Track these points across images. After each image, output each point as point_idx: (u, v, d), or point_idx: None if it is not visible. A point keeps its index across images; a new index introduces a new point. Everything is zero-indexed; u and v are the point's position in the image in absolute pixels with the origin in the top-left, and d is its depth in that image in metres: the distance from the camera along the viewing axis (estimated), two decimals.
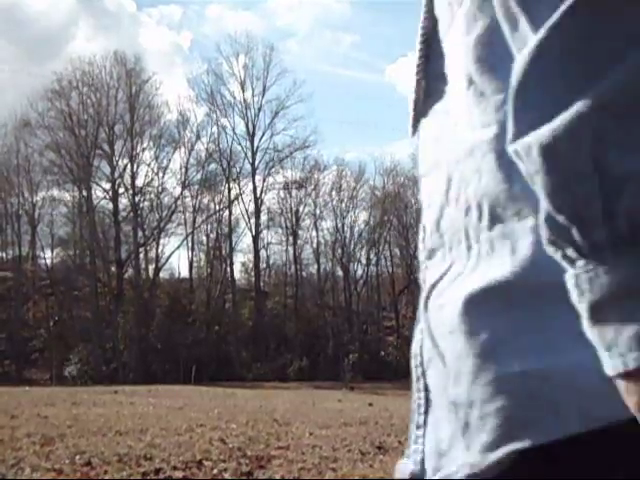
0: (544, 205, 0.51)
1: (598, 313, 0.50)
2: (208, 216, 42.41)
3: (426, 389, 0.70)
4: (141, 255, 41.32)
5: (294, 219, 43.06)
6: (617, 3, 0.49)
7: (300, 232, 43.52)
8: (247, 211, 42.44)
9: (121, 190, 40.56)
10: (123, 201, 40.96)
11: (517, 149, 0.53)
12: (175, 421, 9.59)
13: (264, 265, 43.86)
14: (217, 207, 42.43)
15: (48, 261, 42.85)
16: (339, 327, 41.63)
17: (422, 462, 0.69)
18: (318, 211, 43.51)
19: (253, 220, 42.07)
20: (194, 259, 42.98)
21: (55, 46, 60.83)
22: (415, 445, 0.70)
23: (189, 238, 42.10)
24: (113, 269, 40.48)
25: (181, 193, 41.35)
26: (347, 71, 71.71)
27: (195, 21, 68.84)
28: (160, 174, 41.32)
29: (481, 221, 0.65)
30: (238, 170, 42.71)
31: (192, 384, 28.49)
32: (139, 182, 40.77)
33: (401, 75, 64.08)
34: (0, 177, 40.73)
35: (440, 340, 0.67)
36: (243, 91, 43.01)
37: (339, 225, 43.02)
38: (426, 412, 0.70)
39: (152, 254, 41.58)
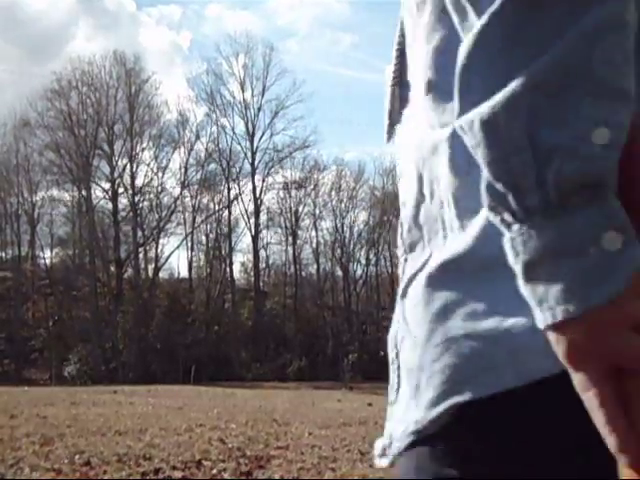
0: (485, 174, 0.56)
1: (531, 272, 0.55)
2: (207, 216, 42.44)
3: (399, 367, 0.74)
4: (140, 255, 41.35)
5: (293, 219, 43.08)
6: None
7: (299, 232, 43.57)
8: (246, 211, 42.50)
9: (120, 190, 40.60)
10: (122, 201, 41.03)
11: (462, 124, 0.58)
12: (174, 421, 9.59)
13: (263, 265, 43.89)
14: (216, 207, 42.49)
15: (47, 261, 42.91)
16: (338, 327, 41.64)
17: (391, 436, 0.72)
18: (317, 211, 43.56)
19: (252, 220, 42.12)
20: (193, 259, 43.05)
21: (55, 46, 60.88)
22: (388, 422, 0.74)
23: (188, 238, 42.15)
24: (112, 269, 40.48)
25: (180, 193, 41.41)
26: (347, 71, 71.77)
27: (195, 21, 68.85)
28: (160, 174, 41.40)
29: (451, 211, 0.69)
30: (238, 170, 42.77)
31: (191, 384, 28.50)
32: (138, 182, 40.85)
33: None
34: None
35: (409, 317, 0.72)
36: (243, 91, 43.06)
37: (339, 225, 43.07)
38: (397, 389, 0.74)
39: (151, 254, 41.65)
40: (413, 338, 0.70)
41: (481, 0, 0.56)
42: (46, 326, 38.85)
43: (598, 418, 0.55)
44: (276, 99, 43.28)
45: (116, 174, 40.40)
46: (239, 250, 48.51)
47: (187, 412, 11.74)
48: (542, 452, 0.63)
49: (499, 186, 0.56)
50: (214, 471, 5.61)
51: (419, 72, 0.74)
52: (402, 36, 0.81)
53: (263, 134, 43.02)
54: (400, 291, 0.75)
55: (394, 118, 0.82)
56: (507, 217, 0.56)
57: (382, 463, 0.74)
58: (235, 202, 42.41)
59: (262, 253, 43.49)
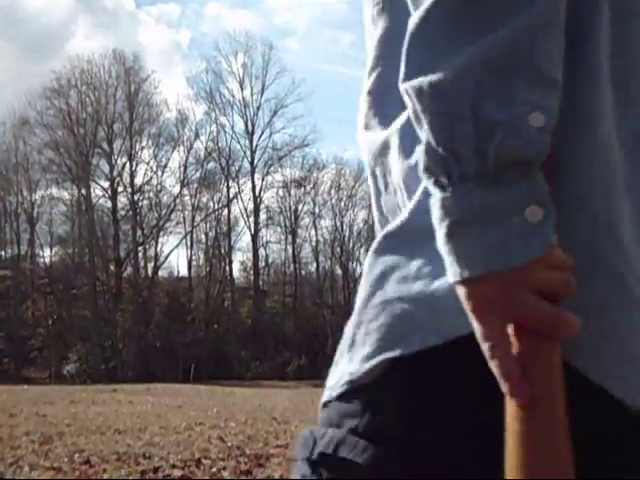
0: (426, 137, 0.61)
1: (455, 230, 0.61)
2: (207, 215, 42.44)
3: None
4: (140, 254, 41.34)
5: (293, 218, 43.09)
6: None
7: (299, 231, 43.58)
8: (246, 210, 42.49)
9: (120, 189, 40.59)
10: (122, 200, 41.00)
11: (407, 89, 0.63)
12: (174, 420, 9.59)
13: (263, 264, 43.89)
14: (216, 206, 42.48)
15: (47, 260, 42.91)
16: (338, 326, 41.60)
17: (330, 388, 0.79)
18: (317, 210, 43.57)
19: (252, 219, 42.11)
20: (193, 258, 43.05)
21: (54, 44, 60.85)
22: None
23: (188, 237, 42.14)
24: (112, 268, 40.47)
25: (180, 192, 41.40)
26: (346, 69, 71.65)
27: (194, 19, 68.84)
28: (159, 173, 41.39)
29: (403, 195, 0.75)
30: (237, 169, 42.76)
31: (191, 383, 28.50)
32: (138, 181, 40.84)
33: None
34: None
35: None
36: (242, 90, 43.04)
37: (338, 224, 43.07)
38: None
39: (151, 253, 41.66)
40: (358, 300, 0.77)
41: None
42: (45, 325, 38.85)
43: (494, 365, 0.62)
44: (275, 98, 43.32)
45: (115, 173, 40.42)
46: (238, 249, 48.48)
47: (186, 411, 11.74)
48: (450, 407, 0.68)
49: (440, 150, 0.61)
50: (214, 469, 5.61)
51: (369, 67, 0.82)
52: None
53: (262, 133, 43.04)
54: None
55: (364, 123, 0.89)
56: (443, 179, 0.61)
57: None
58: (234, 201, 42.47)
59: (261, 252, 43.54)
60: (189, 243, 42.38)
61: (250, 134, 42.61)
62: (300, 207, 43.46)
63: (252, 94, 43.01)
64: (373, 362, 0.71)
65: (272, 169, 43.15)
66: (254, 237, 41.89)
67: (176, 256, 43.13)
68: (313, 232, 43.48)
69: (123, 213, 41.03)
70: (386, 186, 0.80)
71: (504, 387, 0.62)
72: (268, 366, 36.75)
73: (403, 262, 0.73)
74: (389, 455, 0.70)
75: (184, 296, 40.83)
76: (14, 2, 58.48)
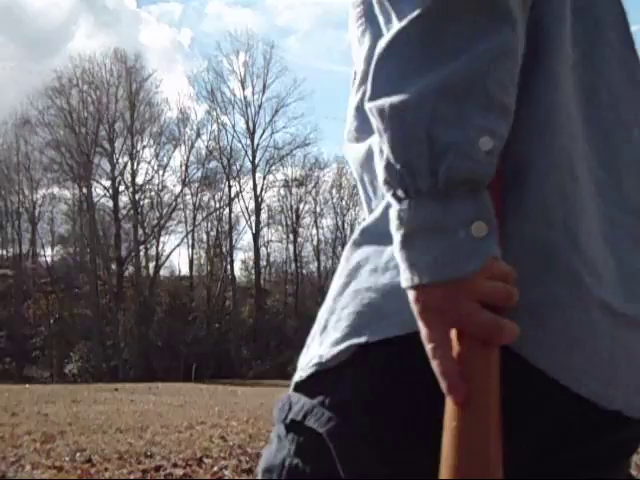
0: (386, 153, 0.68)
1: (409, 240, 0.67)
2: (208, 214, 42.41)
3: None
4: (141, 253, 41.33)
5: (294, 217, 43.06)
6: (457, 12, 0.66)
7: (300, 230, 43.52)
8: (247, 209, 42.44)
9: (121, 188, 40.56)
10: (123, 199, 40.96)
11: (371, 108, 0.69)
12: (175, 418, 9.60)
13: (264, 263, 43.85)
14: (217, 205, 42.44)
15: (48, 259, 42.86)
16: None
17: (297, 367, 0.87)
18: (318, 209, 43.52)
19: (253, 218, 42.07)
20: (194, 257, 43.00)
21: (55, 43, 60.81)
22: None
23: (189, 236, 42.12)
24: (113, 267, 40.46)
25: (181, 191, 41.35)
26: (347, 69, 71.17)
27: (195, 18, 68.81)
28: (160, 172, 41.33)
29: (382, 199, 0.81)
30: (238, 168, 42.68)
31: (192, 382, 28.51)
32: (139, 180, 40.78)
33: None
34: (0, 175, 40.70)
35: None
36: (243, 89, 42.96)
37: (339, 223, 43.01)
38: None
39: (152, 252, 41.61)
40: (332, 288, 0.84)
41: (403, 7, 0.67)
42: (47, 324, 38.85)
43: (435, 364, 0.68)
44: (277, 97, 43.20)
45: (117, 172, 40.39)
46: (240, 248, 48.47)
47: (188, 410, 11.75)
48: (403, 391, 0.74)
49: (398, 166, 0.67)
50: (215, 468, 5.61)
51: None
52: None
53: (264, 132, 42.95)
54: None
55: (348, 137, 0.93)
56: (400, 193, 0.68)
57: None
58: (236, 200, 42.39)
59: (263, 251, 43.49)
60: (190, 242, 42.39)
61: (251, 133, 42.60)
62: (301, 206, 43.44)
63: (253, 93, 42.99)
64: (341, 347, 0.78)
65: (273, 168, 43.13)
66: (255, 236, 41.88)
67: (177, 255, 43.35)
68: (314, 231, 43.48)
69: (124, 212, 41.02)
70: (374, 191, 0.85)
71: (442, 385, 0.68)
72: (269, 365, 36.73)
73: (375, 255, 0.79)
74: (349, 427, 0.77)
75: (185, 295, 40.82)
76: (15, 1, 58.52)
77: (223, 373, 34.05)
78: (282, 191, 43.02)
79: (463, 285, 0.66)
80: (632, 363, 0.76)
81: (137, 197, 40.61)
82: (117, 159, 40.45)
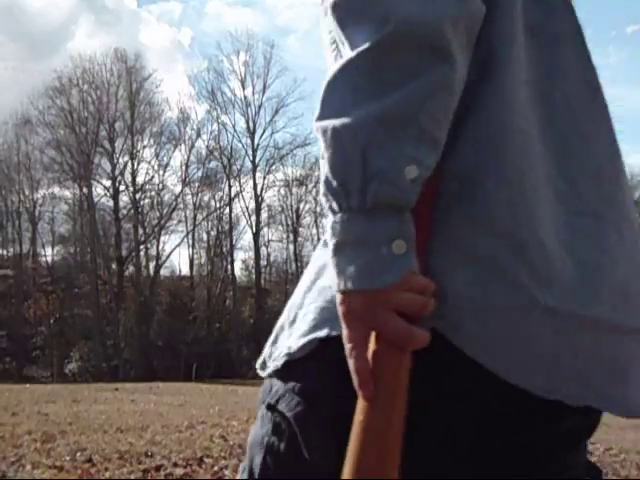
0: (326, 170, 0.75)
1: (340, 249, 0.74)
2: (209, 213, 42.40)
3: None
4: (142, 253, 41.32)
5: (295, 216, 43.05)
6: (402, 49, 0.72)
7: (301, 229, 43.50)
8: (247, 208, 42.41)
9: (122, 188, 40.54)
10: (124, 199, 40.93)
11: (317, 127, 0.75)
12: (176, 418, 9.59)
13: (265, 263, 43.84)
14: (218, 205, 42.42)
15: (49, 259, 42.85)
16: None
17: (270, 355, 0.96)
18: (319, 208, 43.37)
19: (254, 217, 42.05)
20: (195, 257, 42.99)
21: (55, 43, 60.75)
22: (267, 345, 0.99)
23: (190, 235, 42.11)
24: (114, 267, 40.45)
25: (182, 191, 41.34)
26: None
27: (195, 18, 68.77)
28: (161, 172, 41.31)
29: None
30: (239, 168, 42.64)
31: (193, 381, 28.50)
32: (140, 180, 40.74)
33: None
34: (1, 174, 40.70)
35: None
36: (243, 88, 42.93)
37: None
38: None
39: (153, 252, 41.60)
40: (302, 284, 0.93)
41: (355, 38, 0.74)
42: (47, 324, 38.84)
43: (350, 362, 0.76)
44: (277, 97, 43.13)
45: (117, 172, 40.37)
46: (240, 248, 48.47)
47: (188, 409, 11.74)
48: (352, 388, 0.78)
49: (334, 183, 0.74)
50: (215, 468, 5.61)
51: None
52: None
53: (264, 131, 42.91)
54: None
55: None
56: (334, 206, 0.75)
57: (262, 374, 0.96)
58: (236, 200, 42.38)
59: (263, 250, 43.46)
60: (191, 242, 42.38)
61: (252, 133, 42.57)
62: (302, 206, 43.41)
63: (254, 93, 42.95)
64: (305, 340, 0.86)
65: (274, 168, 43.10)
66: (256, 236, 41.86)
67: (178, 255, 43.34)
68: (315, 231, 43.41)
69: (125, 212, 41.00)
70: None
71: (355, 381, 0.75)
72: None
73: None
74: (313, 414, 0.86)
75: (186, 295, 40.81)
76: (15, 1, 58.51)
77: (223, 373, 34.04)
78: (282, 191, 43.03)
79: (381, 295, 0.73)
80: (579, 359, 0.81)
81: (137, 197, 40.63)
82: (117, 159, 40.47)
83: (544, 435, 0.85)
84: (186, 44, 66.25)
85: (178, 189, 41.38)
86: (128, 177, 40.60)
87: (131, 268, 41.19)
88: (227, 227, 42.59)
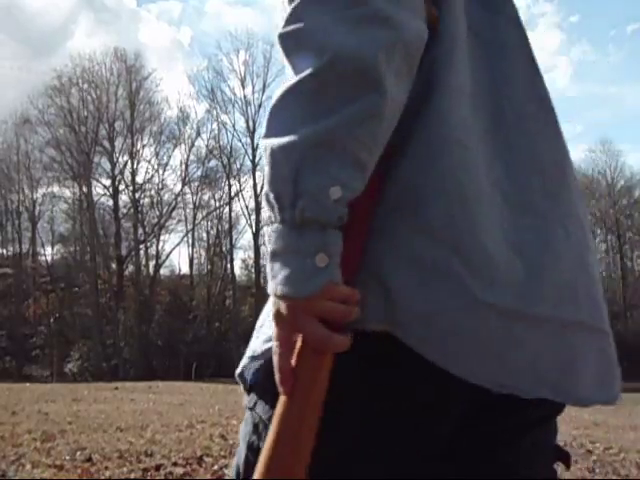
0: (265, 184, 0.81)
1: (274, 256, 0.82)
2: (208, 213, 42.40)
3: None
4: (141, 252, 41.32)
5: None
6: (337, 78, 0.78)
7: None
8: (247, 208, 42.40)
9: (121, 187, 40.55)
10: (123, 198, 40.94)
11: (261, 145, 0.82)
12: (176, 417, 9.59)
13: (264, 262, 43.80)
14: (217, 204, 42.43)
15: (48, 258, 42.86)
16: None
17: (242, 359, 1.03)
18: None
19: (253, 217, 42.01)
20: (194, 256, 42.99)
21: (55, 42, 60.75)
22: None
23: (189, 235, 42.11)
24: (113, 266, 40.45)
25: (181, 190, 41.35)
26: None
27: (195, 17, 68.77)
28: (160, 171, 41.32)
29: None
30: (238, 167, 42.64)
31: (193, 380, 28.51)
32: (139, 179, 40.77)
33: None
34: (0, 174, 40.71)
35: None
36: (243, 88, 42.94)
37: None
38: None
39: (152, 251, 41.59)
40: None
41: (299, 64, 0.79)
42: (47, 323, 38.86)
43: (274, 359, 0.84)
44: None
45: (117, 171, 40.37)
46: (240, 247, 48.62)
47: (188, 408, 11.74)
48: None
49: (270, 197, 0.81)
50: (215, 467, 5.61)
51: None
52: None
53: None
54: None
55: None
56: (272, 216, 0.81)
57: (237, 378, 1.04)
58: (236, 199, 42.39)
59: (263, 250, 43.41)
60: (190, 241, 42.38)
61: (251, 132, 42.53)
62: None
63: (253, 92, 42.95)
64: (268, 345, 0.91)
65: None
66: (255, 235, 41.82)
67: (177, 254, 43.32)
68: None
69: (124, 211, 41.01)
70: None
71: (276, 377, 0.83)
72: None
73: None
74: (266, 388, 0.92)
75: (185, 294, 40.82)
76: (15, 1, 58.47)
77: (223, 372, 33.99)
78: None
79: (304, 302, 0.80)
80: (527, 353, 0.87)
81: (137, 196, 40.62)
82: (117, 158, 40.48)
83: (506, 427, 0.93)
84: (186, 43, 66.32)
85: (178, 188, 41.44)
86: (128, 176, 40.65)
87: (131, 267, 41.20)
88: (227, 226, 42.61)
